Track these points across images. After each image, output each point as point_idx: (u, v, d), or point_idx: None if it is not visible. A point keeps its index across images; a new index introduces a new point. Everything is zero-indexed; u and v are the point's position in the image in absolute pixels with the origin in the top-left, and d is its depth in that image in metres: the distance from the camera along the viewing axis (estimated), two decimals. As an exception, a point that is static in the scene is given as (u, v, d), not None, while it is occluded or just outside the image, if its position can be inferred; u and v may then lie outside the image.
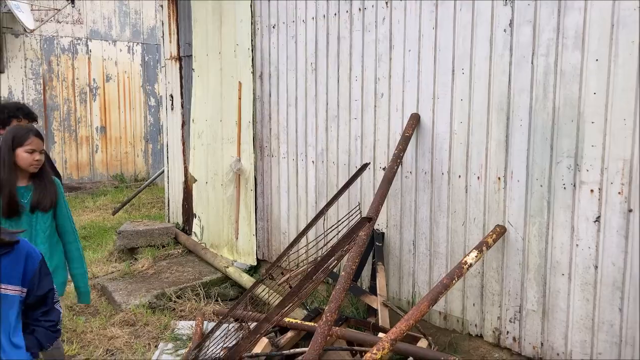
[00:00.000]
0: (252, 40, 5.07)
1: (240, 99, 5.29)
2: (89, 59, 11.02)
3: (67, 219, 3.17)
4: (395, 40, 3.74)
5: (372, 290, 3.82)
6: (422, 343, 3.19)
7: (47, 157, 3.16)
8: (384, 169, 3.86)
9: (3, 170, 2.93)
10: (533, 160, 3.02)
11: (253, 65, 5.09)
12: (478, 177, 3.30)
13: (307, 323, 3.48)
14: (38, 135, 2.98)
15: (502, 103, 3.15)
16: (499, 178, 3.19)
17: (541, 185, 2.99)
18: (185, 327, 4.26)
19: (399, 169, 3.66)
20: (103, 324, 4.29)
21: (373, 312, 3.72)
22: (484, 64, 3.23)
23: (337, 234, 3.58)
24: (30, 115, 3.80)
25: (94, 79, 11.09)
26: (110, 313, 4.53)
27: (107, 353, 3.87)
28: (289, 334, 3.49)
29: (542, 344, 3.02)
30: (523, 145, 3.07)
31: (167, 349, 3.92)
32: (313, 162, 4.55)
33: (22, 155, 2.91)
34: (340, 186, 4.19)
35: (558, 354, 2.94)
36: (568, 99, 2.86)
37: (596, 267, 2.80)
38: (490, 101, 3.22)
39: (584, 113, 2.80)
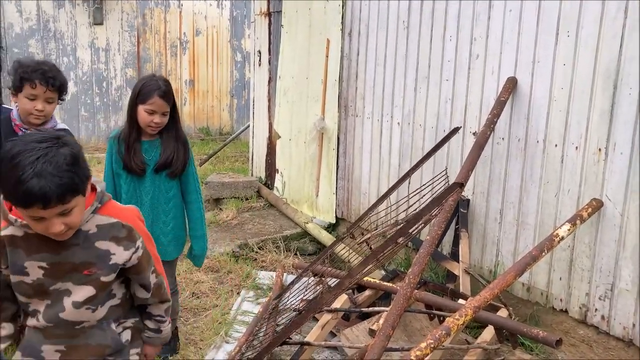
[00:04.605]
0: (343, -4, 4.99)
1: (327, 56, 5.26)
2: (180, 12, 11.30)
3: (193, 178, 2.94)
4: (495, -1, 3.55)
5: (453, 256, 3.78)
6: (502, 312, 3.14)
7: (176, 113, 2.86)
8: (474, 134, 3.75)
9: (127, 122, 2.79)
10: (640, 132, 2.82)
11: (342, 23, 5.03)
12: (576, 147, 3.13)
13: (385, 283, 3.51)
14: (164, 96, 2.68)
15: (610, 70, 2.94)
16: (600, 150, 3.01)
17: (647, 160, 2.80)
18: (265, 277, 4.42)
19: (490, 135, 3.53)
20: (190, 268, 4.53)
21: (452, 277, 3.69)
22: (593, 27, 3.00)
23: (420, 198, 3.54)
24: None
25: (184, 33, 11.39)
26: (196, 259, 4.77)
27: (192, 296, 4.09)
28: (367, 293, 3.53)
29: (634, 325, 2.88)
30: (630, 116, 2.86)
31: (249, 297, 4.10)
32: (399, 123, 4.48)
33: (142, 113, 2.70)
34: (426, 150, 4.12)
35: (650, 337, 2.81)
36: (688, 68, 2.62)
37: (703, 250, 2.61)
38: (596, 67, 3.01)
39: None
